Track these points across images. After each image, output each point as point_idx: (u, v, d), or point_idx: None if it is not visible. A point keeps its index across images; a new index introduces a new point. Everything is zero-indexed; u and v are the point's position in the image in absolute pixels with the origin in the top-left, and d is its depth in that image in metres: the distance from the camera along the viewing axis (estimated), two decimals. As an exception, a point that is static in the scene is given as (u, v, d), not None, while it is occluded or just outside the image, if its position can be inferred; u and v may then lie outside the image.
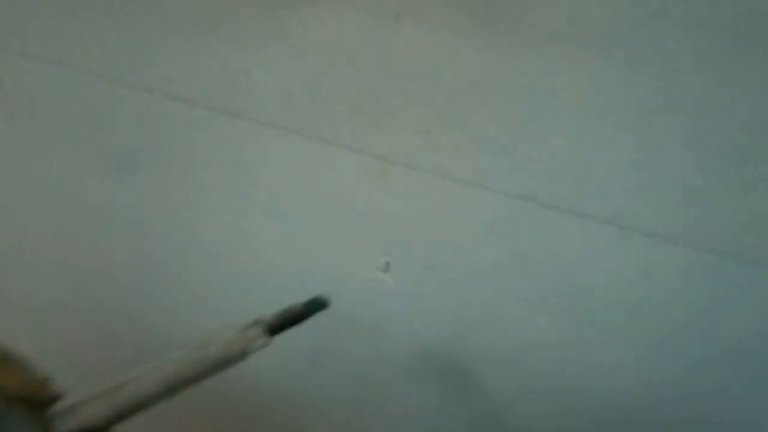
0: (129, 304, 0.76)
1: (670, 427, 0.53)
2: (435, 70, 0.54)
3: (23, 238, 0.79)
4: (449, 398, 0.61)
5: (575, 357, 0.55)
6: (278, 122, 0.61)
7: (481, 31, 0.52)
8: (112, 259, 0.75)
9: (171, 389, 0.41)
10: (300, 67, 0.60)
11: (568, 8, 0.49)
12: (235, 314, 0.65)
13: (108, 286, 0.76)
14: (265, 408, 0.71)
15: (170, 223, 0.70)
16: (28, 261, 0.79)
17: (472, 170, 0.54)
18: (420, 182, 0.56)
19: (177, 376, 0.41)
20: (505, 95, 0.52)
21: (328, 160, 0.60)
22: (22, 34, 0.72)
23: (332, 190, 0.61)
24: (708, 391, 0.51)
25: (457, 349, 0.59)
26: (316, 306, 0.50)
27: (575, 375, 0.55)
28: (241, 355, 0.45)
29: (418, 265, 0.59)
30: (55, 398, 0.37)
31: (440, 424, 0.62)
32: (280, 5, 0.59)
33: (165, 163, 0.68)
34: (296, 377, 0.67)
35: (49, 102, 0.73)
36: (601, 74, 0.49)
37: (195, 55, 0.64)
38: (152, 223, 0.71)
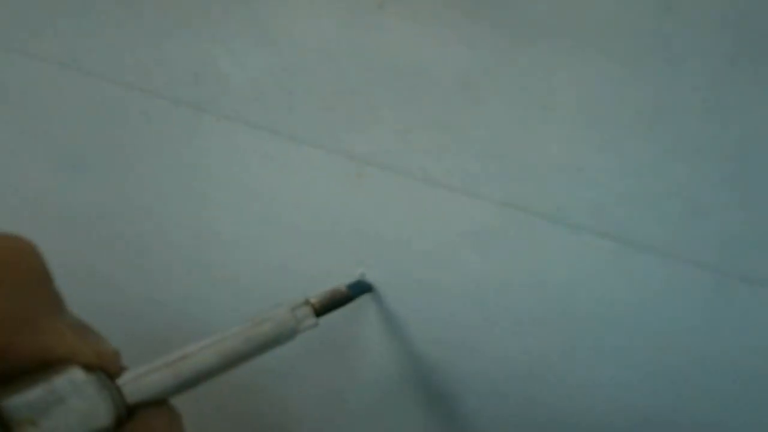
0: (83, 306, 0.72)
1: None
2: (420, 64, 0.50)
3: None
4: (429, 422, 0.57)
5: (565, 377, 0.51)
6: (246, 117, 0.57)
7: (472, 23, 0.48)
8: (61, 259, 0.71)
9: (228, 364, 0.43)
10: (271, 58, 0.55)
11: (567, 2, 0.45)
12: (195, 318, 0.61)
13: (66, 287, 0.72)
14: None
15: (126, 223, 0.66)
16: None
17: (457, 175, 0.50)
18: (400, 186, 0.53)
19: (234, 351, 0.43)
20: (495, 94, 0.48)
21: (300, 159, 0.56)
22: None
23: (304, 191, 0.57)
24: (705, 413, 0.48)
25: (438, 368, 0.56)
26: (361, 289, 0.54)
27: (564, 395, 0.52)
28: (292, 334, 0.47)
29: (396, 278, 0.55)
30: (122, 369, 0.38)
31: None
32: (252, -9, 0.55)
33: (122, 159, 0.64)
34: (262, 396, 0.63)
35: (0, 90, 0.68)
36: (600, 73, 0.45)
37: (157, 42, 0.60)
38: (107, 223, 0.67)
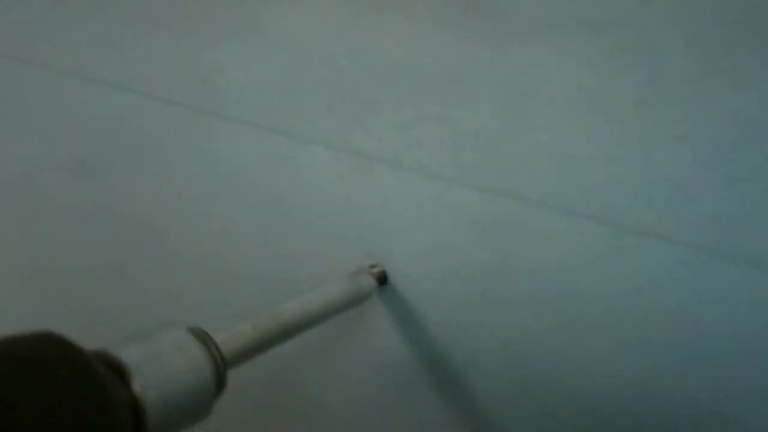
0: (101, 308, 0.74)
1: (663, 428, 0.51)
2: (417, 63, 0.52)
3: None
4: (439, 405, 0.59)
5: (566, 358, 0.53)
6: (255, 120, 0.59)
7: (465, 22, 0.50)
8: (82, 263, 0.74)
9: (307, 323, 0.47)
10: (276, 63, 0.58)
11: (552, -3, 0.47)
12: (212, 317, 0.63)
13: (78, 290, 0.75)
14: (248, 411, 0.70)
15: (144, 226, 0.68)
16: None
17: (455, 167, 0.52)
18: (402, 180, 0.55)
19: (312, 312, 0.47)
20: (489, 88, 0.50)
21: (308, 158, 0.58)
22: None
23: (312, 189, 0.59)
24: (700, 389, 0.49)
25: (446, 353, 0.57)
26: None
27: (567, 376, 0.53)
28: (366, 298, 0.53)
29: (402, 267, 0.57)
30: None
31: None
32: (257, 1, 0.57)
33: (138, 164, 0.67)
34: (285, 387, 0.65)
35: (19, 101, 0.71)
36: (587, 65, 0.47)
37: (168, 52, 0.63)
38: (125, 226, 0.69)
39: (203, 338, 0.40)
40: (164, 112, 0.64)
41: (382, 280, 0.57)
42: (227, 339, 0.41)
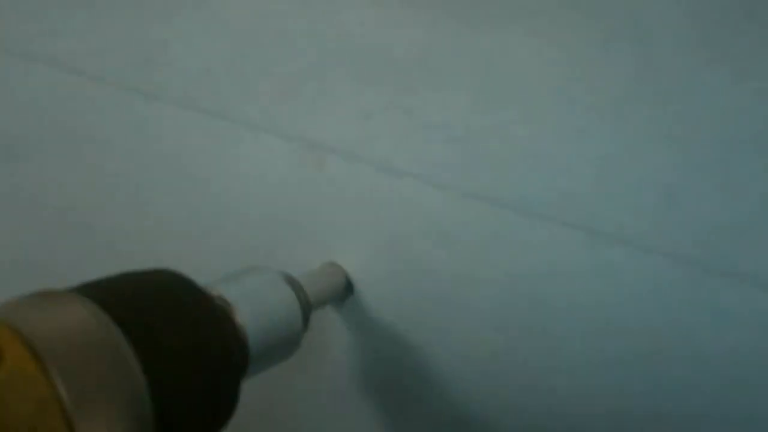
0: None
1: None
2: (380, 44, 0.48)
3: None
4: (392, 425, 0.55)
5: (533, 375, 0.49)
6: (199, 103, 0.55)
7: (434, 3, 0.46)
8: (6, 254, 0.69)
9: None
10: (224, 40, 0.53)
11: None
12: None
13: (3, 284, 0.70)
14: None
15: (74, 215, 0.64)
16: None
17: (420, 163, 0.48)
18: (361, 175, 0.51)
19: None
20: (460, 75, 0.46)
21: (257, 146, 0.54)
22: None
23: (262, 181, 0.55)
24: (681, 405, 0.46)
25: (408, 368, 0.53)
26: None
27: (528, 387, 0.50)
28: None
29: (360, 270, 0.53)
30: None
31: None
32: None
33: (68, 147, 0.62)
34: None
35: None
36: (572, 55, 0.43)
37: (105, 25, 0.58)
38: (50, 215, 0.65)
39: (290, 280, 0.45)
40: (99, 93, 0.59)
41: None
42: (307, 283, 0.46)
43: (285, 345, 0.44)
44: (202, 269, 0.57)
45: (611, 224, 0.44)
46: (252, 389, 0.47)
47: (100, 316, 0.32)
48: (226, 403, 0.37)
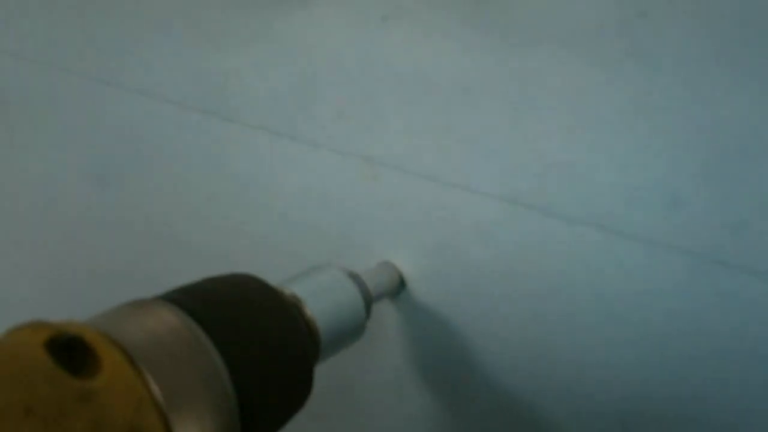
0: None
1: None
2: (422, 71, 0.54)
3: (10, 240, 0.79)
4: (444, 405, 0.60)
5: (564, 360, 0.54)
6: (268, 125, 0.61)
7: (469, 33, 0.52)
8: (98, 265, 0.76)
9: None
10: (288, 69, 0.59)
11: (554, 8, 0.48)
12: None
13: (95, 293, 0.76)
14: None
15: (162, 229, 0.70)
16: (14, 264, 0.79)
17: (460, 173, 0.53)
18: (410, 186, 0.56)
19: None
20: (493, 97, 0.51)
21: (320, 163, 0.60)
22: (15, 34, 0.73)
23: (324, 193, 0.60)
24: (694, 397, 0.50)
25: (449, 355, 0.58)
26: None
27: (564, 378, 0.54)
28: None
29: (410, 272, 0.58)
30: None
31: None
32: (268, 6, 0.59)
33: (156, 168, 0.69)
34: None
35: (41, 104, 0.73)
36: (586, 76, 0.48)
37: (185, 57, 0.64)
38: (142, 229, 0.71)
39: (352, 276, 0.50)
40: (180, 118, 0.66)
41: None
42: (367, 278, 0.51)
43: (350, 334, 0.47)
44: (274, 273, 0.64)
45: (626, 223, 0.49)
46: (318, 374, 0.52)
47: (186, 321, 0.34)
48: (301, 391, 0.39)
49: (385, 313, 0.60)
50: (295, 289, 0.46)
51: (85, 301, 0.76)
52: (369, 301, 0.50)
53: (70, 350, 0.28)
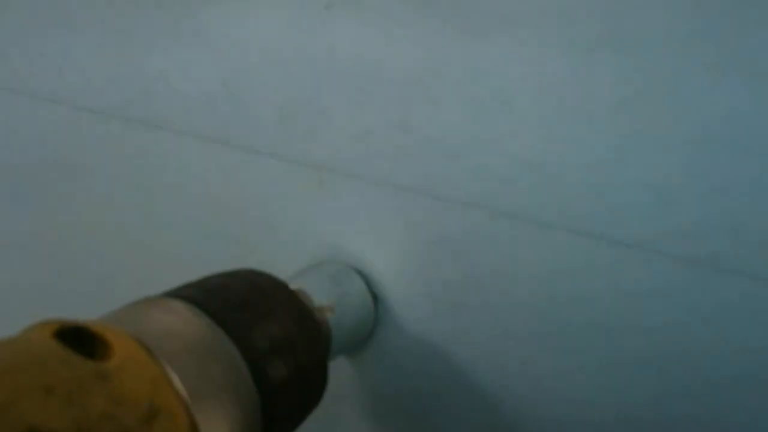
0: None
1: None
2: (371, 65, 0.49)
3: None
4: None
5: (547, 381, 0.49)
6: (200, 131, 0.56)
7: (422, 19, 0.47)
8: (12, 290, 0.70)
9: None
10: (221, 69, 0.54)
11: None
12: None
13: (19, 317, 0.71)
14: None
15: (82, 248, 0.65)
16: None
17: (419, 177, 0.49)
18: (362, 192, 0.51)
19: None
20: (451, 91, 0.46)
21: (259, 171, 0.54)
22: None
23: (265, 204, 0.55)
24: (686, 406, 0.45)
25: (420, 376, 0.54)
26: None
27: (537, 398, 0.50)
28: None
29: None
30: None
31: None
32: (196, 1, 0.53)
33: (74, 182, 0.63)
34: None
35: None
36: (557, 63, 0.44)
37: (106, 61, 0.59)
38: (59, 250, 0.66)
39: (358, 272, 0.50)
40: (101, 126, 0.60)
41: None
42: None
43: (359, 330, 0.48)
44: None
45: (609, 227, 0.44)
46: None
47: (200, 315, 0.34)
48: (318, 386, 0.40)
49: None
50: (302, 284, 0.45)
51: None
52: (375, 296, 0.51)
53: (80, 338, 0.29)
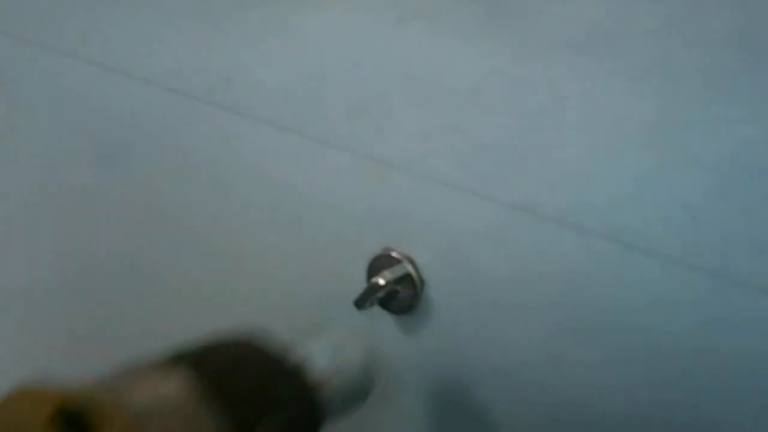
0: (117, 297, 0.76)
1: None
2: (436, 73, 0.53)
3: (11, 223, 0.78)
4: (448, 414, 0.60)
5: (572, 374, 0.53)
6: (276, 120, 0.60)
7: (485, 36, 0.51)
8: (100, 251, 0.75)
9: None
10: (300, 66, 0.59)
11: (574, 15, 0.48)
12: (226, 314, 0.65)
13: (95, 278, 0.76)
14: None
15: (162, 219, 0.70)
16: (15, 246, 0.79)
17: (470, 177, 0.53)
18: (418, 187, 0.55)
19: None
20: (507, 102, 0.51)
21: (328, 161, 0.59)
22: (20, 19, 0.72)
23: (329, 191, 0.60)
24: (705, 414, 0.49)
25: (453, 363, 0.58)
26: None
27: (571, 390, 0.54)
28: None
29: (425, 274, 0.58)
30: None
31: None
32: (284, 3, 0.58)
33: (159, 158, 0.68)
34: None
35: (47, 88, 0.72)
36: (605, 85, 0.48)
37: (195, 49, 0.64)
38: (143, 218, 0.71)
39: (361, 336, 0.50)
40: (187, 108, 0.65)
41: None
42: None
43: (359, 394, 0.48)
44: (273, 271, 0.63)
45: (641, 237, 0.48)
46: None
47: (189, 388, 0.35)
48: None
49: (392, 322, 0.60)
50: (304, 349, 0.46)
51: (86, 288, 0.76)
52: (422, 280, 0.54)
53: (73, 425, 0.30)
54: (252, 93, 0.61)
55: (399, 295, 0.57)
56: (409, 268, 0.56)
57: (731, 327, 0.47)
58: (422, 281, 0.57)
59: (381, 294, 0.56)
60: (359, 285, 0.57)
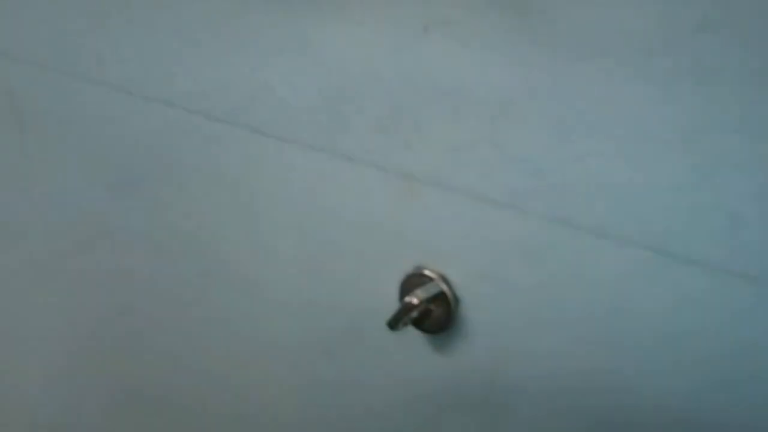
0: (141, 324, 0.75)
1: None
2: (465, 85, 0.52)
3: (30, 251, 0.78)
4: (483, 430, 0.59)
5: (609, 386, 0.52)
6: (301, 138, 0.59)
7: (514, 45, 0.50)
8: (122, 278, 0.74)
9: None
10: (324, 81, 0.58)
11: (604, 20, 0.46)
12: (256, 341, 0.64)
13: (118, 305, 0.75)
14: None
15: (186, 242, 0.69)
16: (34, 273, 0.78)
17: (504, 191, 0.52)
18: (450, 203, 0.54)
19: None
20: (539, 112, 0.49)
21: (355, 178, 0.58)
22: (36, 43, 0.71)
23: (359, 210, 0.59)
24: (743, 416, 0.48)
25: (489, 378, 0.57)
26: None
27: (609, 404, 0.53)
28: None
29: (450, 291, 0.56)
30: None
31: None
32: (301, 15, 0.57)
33: (182, 180, 0.67)
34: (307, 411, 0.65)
35: (63, 114, 0.72)
36: (641, 91, 0.46)
37: (215, 68, 0.63)
38: (167, 242, 0.70)
39: None
40: (209, 129, 0.64)
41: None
42: None
43: None
44: (304, 293, 0.62)
45: (681, 246, 0.47)
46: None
47: None
48: None
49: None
50: None
51: (105, 317, 0.75)
52: (456, 298, 0.53)
53: None
54: (275, 111, 0.60)
55: (433, 314, 0.56)
56: (443, 286, 0.55)
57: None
58: (456, 299, 0.56)
59: (414, 314, 0.54)
60: (392, 305, 0.56)
